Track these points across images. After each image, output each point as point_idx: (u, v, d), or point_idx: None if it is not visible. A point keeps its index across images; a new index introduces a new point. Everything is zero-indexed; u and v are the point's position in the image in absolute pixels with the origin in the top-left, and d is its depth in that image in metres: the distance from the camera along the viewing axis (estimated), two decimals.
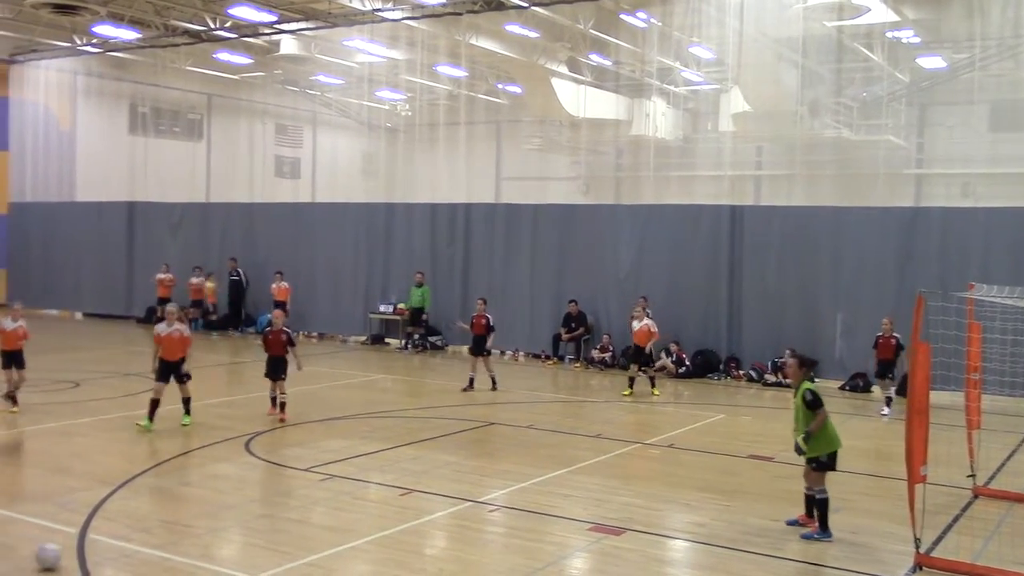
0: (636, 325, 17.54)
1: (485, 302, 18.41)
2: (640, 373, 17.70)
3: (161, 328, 13.65)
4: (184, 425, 13.67)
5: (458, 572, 8.23)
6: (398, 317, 24.25)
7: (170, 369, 13.55)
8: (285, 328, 14.95)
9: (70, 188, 32.70)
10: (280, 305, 25.42)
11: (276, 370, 14.60)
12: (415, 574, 8.13)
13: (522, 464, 12.06)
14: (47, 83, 32.29)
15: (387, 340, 24.76)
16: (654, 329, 17.48)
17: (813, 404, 9.21)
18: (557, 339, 21.87)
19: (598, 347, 21.33)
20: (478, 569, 8.37)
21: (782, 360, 18.86)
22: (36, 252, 30.96)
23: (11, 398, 14.65)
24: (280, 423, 14.18)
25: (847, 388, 18.68)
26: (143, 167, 32.90)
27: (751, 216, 20.65)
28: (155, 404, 13.44)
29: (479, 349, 17.84)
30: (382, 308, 24.60)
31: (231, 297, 26.53)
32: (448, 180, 28.63)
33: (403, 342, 23.95)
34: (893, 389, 16.43)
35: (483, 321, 17.86)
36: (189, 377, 13.74)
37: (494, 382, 17.72)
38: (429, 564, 8.53)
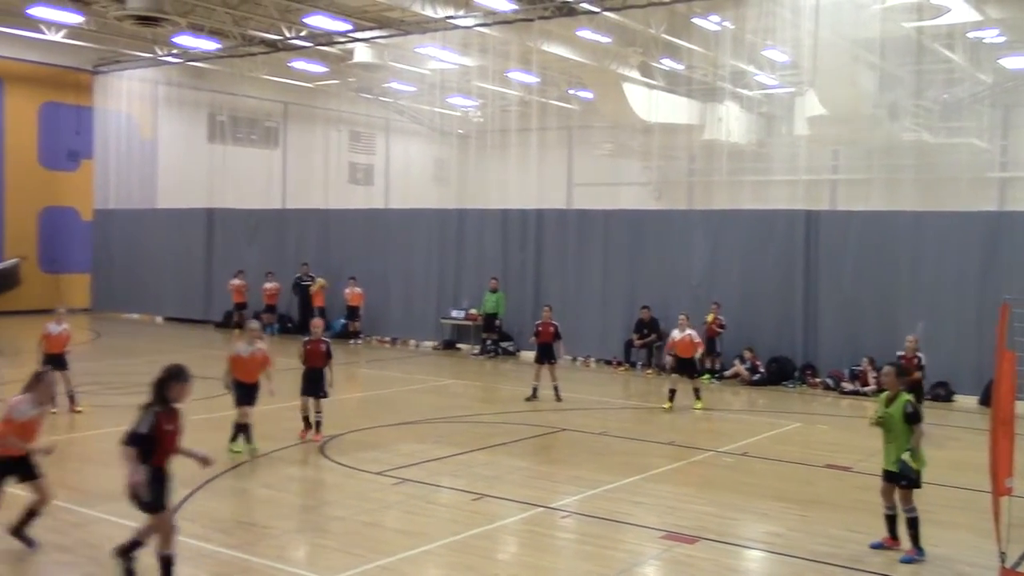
0: (678, 335, 16.72)
1: (551, 309, 18.24)
2: (688, 381, 16.87)
3: (242, 349, 12.61)
4: (234, 452, 12.40)
5: None
6: (470, 322, 24.35)
7: (249, 391, 12.51)
8: (324, 338, 13.70)
9: (151, 195, 33.53)
10: (353, 311, 25.81)
11: (314, 385, 13.32)
12: None
13: (594, 470, 12.01)
14: (130, 93, 33.17)
15: (459, 345, 24.87)
16: (697, 339, 16.87)
17: (913, 417, 8.78)
18: (629, 345, 21.74)
19: (666, 355, 21.13)
20: (550, 575, 8.35)
21: (860, 368, 18.52)
22: (119, 258, 31.82)
23: (71, 398, 14.97)
24: (317, 441, 13.20)
25: (928, 397, 18.19)
26: (221, 174, 33.60)
27: (827, 221, 20.28)
28: (241, 428, 12.43)
29: (545, 357, 17.40)
30: (454, 313, 24.73)
31: (302, 302, 26.94)
32: (519, 186, 28.66)
33: (476, 347, 24.03)
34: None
35: (551, 329, 17.48)
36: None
37: (557, 392, 17.22)
38: (500, 569, 8.53)
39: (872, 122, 27.18)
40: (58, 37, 29.30)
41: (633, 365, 21.76)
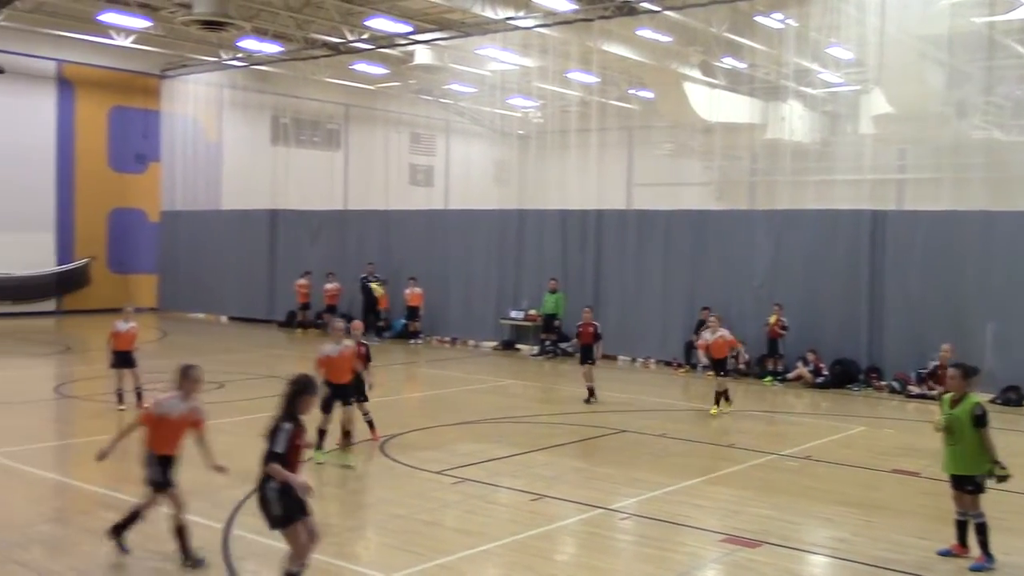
0: (709, 337, 16.30)
1: (592, 310, 18.14)
2: (718, 377, 16.35)
3: (330, 349, 12.19)
4: (347, 467, 12.02)
5: None
6: (529, 323, 24.35)
7: (339, 393, 12.23)
8: (364, 341, 12.99)
9: (216, 197, 34.12)
10: (413, 311, 25.98)
11: (355, 390, 12.64)
12: None
13: (654, 472, 11.93)
14: (196, 97, 33.79)
15: (518, 346, 24.88)
16: (730, 338, 16.48)
17: (983, 420, 8.53)
18: (689, 347, 21.55)
19: (732, 355, 20.89)
20: None
21: (927, 371, 18.12)
22: (185, 258, 32.43)
23: (138, 395, 15.18)
24: (373, 440, 13.02)
25: (999, 401, 17.76)
26: (284, 176, 34.07)
27: (894, 221, 19.90)
28: (323, 435, 12.19)
29: (586, 358, 17.29)
30: (513, 314, 24.75)
31: (366, 302, 27.17)
32: (579, 186, 28.57)
33: (535, 348, 24.02)
34: None
35: (591, 330, 17.31)
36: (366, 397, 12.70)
37: (592, 393, 17.09)
38: (559, 570, 8.51)
39: (940, 120, 26.57)
40: (127, 43, 29.98)
41: (693, 367, 21.55)
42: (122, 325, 15.34)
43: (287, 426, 7.19)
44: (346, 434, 12.30)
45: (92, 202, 32.20)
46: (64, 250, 31.76)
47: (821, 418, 16.84)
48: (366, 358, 12.84)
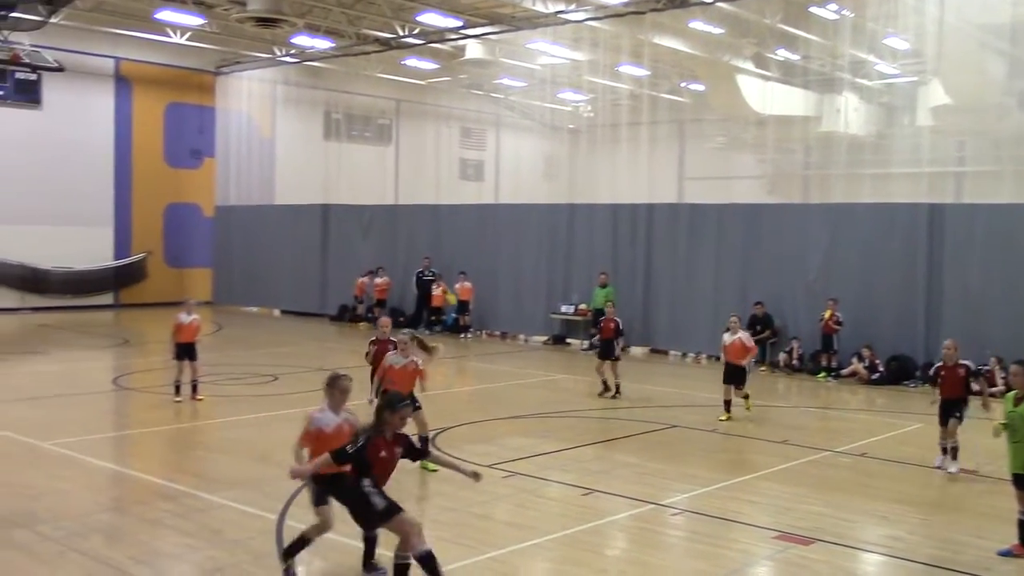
0: (728, 338, 15.19)
1: (614, 304, 18.02)
2: (736, 391, 15.25)
3: (394, 360, 11.48)
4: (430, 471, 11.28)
5: (639, 575, 8.15)
6: (579, 317, 24.30)
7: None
8: (393, 338, 12.17)
9: (270, 192, 34.54)
10: (463, 305, 26.08)
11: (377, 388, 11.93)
12: (596, 574, 8.11)
13: (706, 468, 11.84)
14: (250, 93, 34.21)
15: (568, 340, 24.85)
16: (750, 343, 15.40)
17: None
18: None
19: (786, 350, 20.70)
20: (660, 572, 8.26)
21: (987, 368, 17.74)
22: (238, 252, 32.87)
23: (193, 387, 15.41)
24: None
25: None
26: (336, 171, 34.35)
27: (952, 215, 19.51)
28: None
29: (607, 353, 16.94)
30: (563, 308, 24.71)
31: (420, 297, 27.34)
32: (630, 180, 28.44)
33: (585, 342, 23.97)
34: (956, 441, 11.87)
35: (612, 325, 17.06)
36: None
37: (618, 389, 16.84)
38: (610, 565, 8.48)
39: (1000, 111, 26.05)
40: (183, 40, 30.43)
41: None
42: (185, 317, 15.57)
43: (367, 433, 7.32)
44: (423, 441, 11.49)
45: (149, 197, 32.76)
46: (122, 245, 32.36)
47: (876, 415, 16.59)
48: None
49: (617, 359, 16.99)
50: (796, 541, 8.94)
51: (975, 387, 12.22)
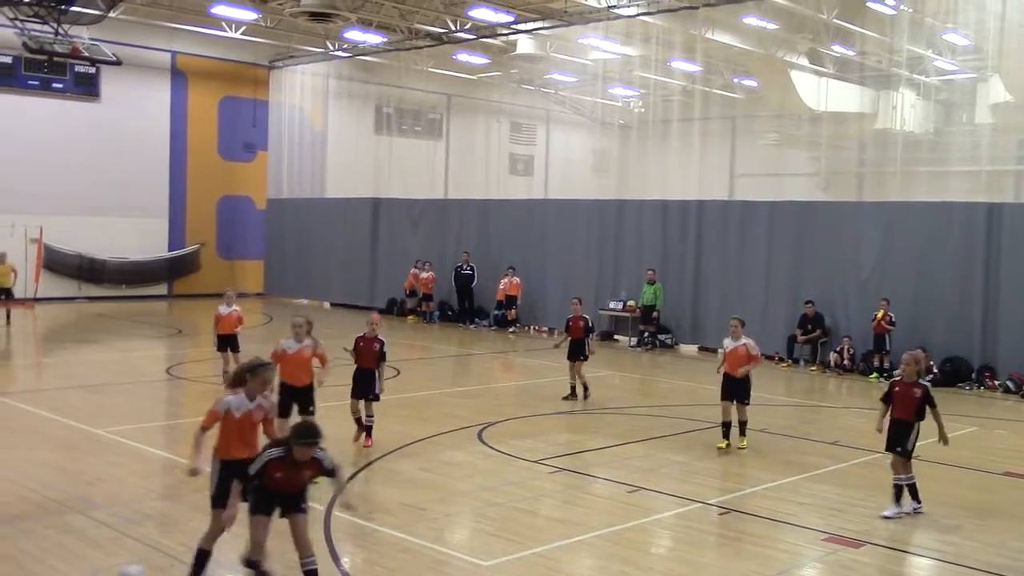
0: (730, 345, 12.94)
1: (581, 302, 16.78)
2: (736, 407, 12.93)
3: (287, 344, 11.35)
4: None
5: (686, 574, 8.10)
6: (628, 314, 24.20)
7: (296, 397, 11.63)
8: (380, 337, 12.10)
9: (321, 185, 34.82)
10: (511, 300, 26.09)
11: (363, 387, 12.02)
12: (642, 572, 8.08)
13: (754, 468, 11.74)
14: (302, 87, 34.51)
15: (616, 337, 24.75)
16: (755, 352, 12.81)
17: None
18: (792, 341, 21.13)
19: (837, 350, 20.43)
20: (706, 572, 8.21)
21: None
22: (290, 245, 33.19)
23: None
24: (368, 447, 11.97)
25: None
26: (387, 165, 34.52)
27: (1012, 214, 19.09)
28: None
29: (576, 354, 15.96)
30: (612, 305, 24.62)
31: (460, 291, 27.43)
32: (680, 176, 28.22)
33: (634, 339, 23.87)
34: (904, 477, 9.96)
35: (580, 324, 16.10)
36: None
37: (586, 390, 15.98)
38: (655, 563, 8.44)
39: None
40: (237, 34, 30.81)
41: (796, 361, 21.14)
42: (224, 308, 15.73)
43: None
44: None
45: (203, 190, 33.22)
46: (176, 236, 32.86)
47: (930, 417, 16.27)
48: (380, 355, 11.99)
49: (585, 359, 16.04)
50: (846, 544, 8.83)
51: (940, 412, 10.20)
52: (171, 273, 32.81)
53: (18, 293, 26.28)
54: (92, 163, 30.25)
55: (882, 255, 20.24)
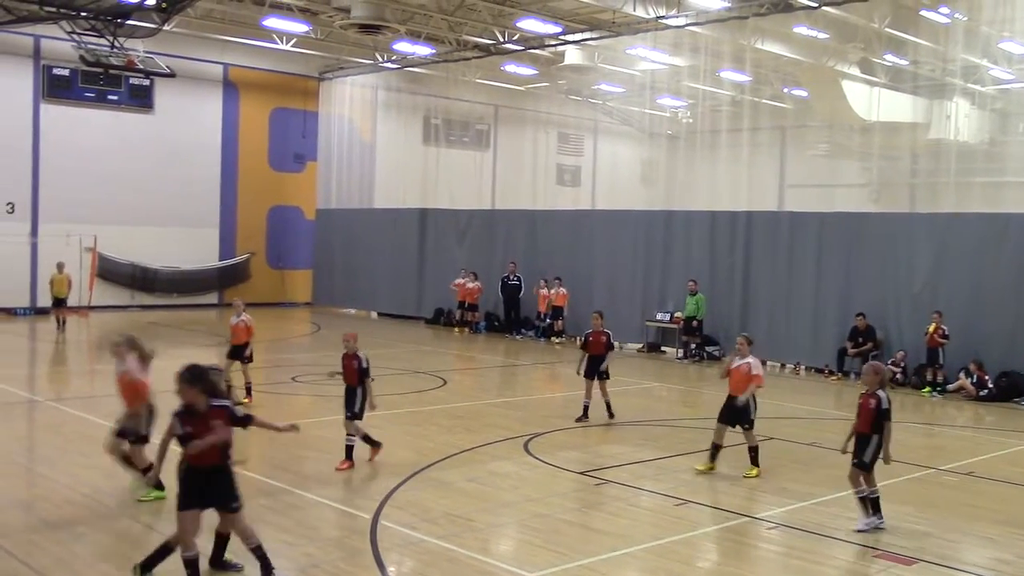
0: (736, 361, 12.07)
1: (602, 316, 15.58)
2: (738, 431, 12.11)
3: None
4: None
5: None
6: (675, 325, 24.04)
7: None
8: (359, 353, 11.69)
9: (369, 196, 35.11)
10: (557, 311, 26.05)
11: (347, 404, 11.62)
12: None
13: (803, 482, 11.57)
14: (351, 98, 34.86)
15: (663, 348, 24.60)
16: (757, 371, 11.86)
17: None
18: (842, 354, 20.85)
19: (888, 363, 20.11)
20: None
21: None
22: (338, 255, 33.46)
23: (247, 390, 15.29)
24: (342, 470, 11.42)
25: None
26: (435, 175, 34.72)
27: None
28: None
29: (595, 371, 15.05)
30: (659, 316, 24.47)
31: (507, 302, 27.44)
32: (729, 187, 28.04)
33: (680, 351, 23.70)
34: (863, 488, 9.73)
35: (602, 339, 15.17)
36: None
37: (609, 409, 15.10)
38: None
39: None
40: (288, 46, 31.20)
41: (846, 374, 20.85)
42: (233, 319, 15.56)
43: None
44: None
45: (253, 200, 33.64)
46: (226, 246, 33.29)
47: (984, 433, 15.99)
48: (359, 372, 11.57)
49: (607, 377, 15.15)
50: (897, 560, 8.67)
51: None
52: (221, 282, 33.22)
53: (72, 301, 26.79)
54: (145, 174, 30.78)
55: (935, 267, 19.90)
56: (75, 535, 8.68)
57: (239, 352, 15.51)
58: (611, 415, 15.08)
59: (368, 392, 11.60)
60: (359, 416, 11.60)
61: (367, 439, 11.71)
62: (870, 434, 9.68)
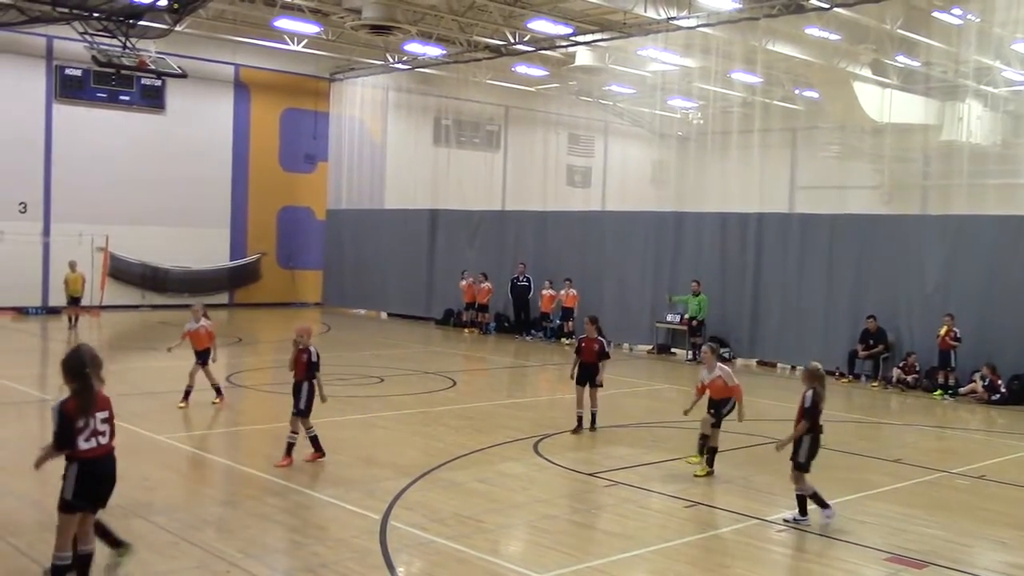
0: (707, 376, 11.90)
1: (596, 322, 14.73)
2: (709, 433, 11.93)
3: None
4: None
5: None
6: (684, 327, 24.00)
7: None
8: (310, 347, 11.57)
9: (380, 196, 35.15)
10: (568, 312, 26.03)
11: (296, 400, 11.48)
12: None
13: (814, 484, 11.50)
14: (362, 99, 34.90)
15: (673, 350, 24.55)
16: (733, 383, 11.76)
17: None
18: (853, 356, 20.78)
19: (900, 366, 20.04)
20: None
21: None
22: (349, 255, 33.50)
23: (217, 391, 15.25)
24: (281, 466, 11.31)
25: None
26: (445, 176, 34.73)
27: None
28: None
29: (587, 378, 14.16)
30: (669, 318, 24.44)
31: (516, 302, 27.42)
32: (740, 189, 27.99)
33: (690, 353, 23.67)
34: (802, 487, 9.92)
35: (595, 346, 14.18)
36: None
37: (594, 420, 14.27)
38: None
39: None
40: (299, 47, 31.26)
41: (857, 377, 20.79)
42: (191, 324, 15.23)
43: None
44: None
45: (264, 200, 33.72)
46: (237, 246, 33.37)
47: (996, 436, 15.91)
48: (308, 366, 11.46)
49: (599, 386, 14.26)
50: (908, 564, 8.63)
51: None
52: (232, 282, 33.31)
53: (84, 301, 26.89)
54: (156, 174, 30.87)
55: (947, 269, 19.82)
56: None
57: (204, 357, 15.09)
58: (593, 426, 14.16)
59: (318, 387, 11.50)
60: (305, 413, 11.49)
61: (314, 441, 11.60)
62: (801, 434, 9.91)
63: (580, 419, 14.15)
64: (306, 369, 11.44)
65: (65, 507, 6.89)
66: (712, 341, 11.99)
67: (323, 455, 11.63)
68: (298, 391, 11.47)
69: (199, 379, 15.02)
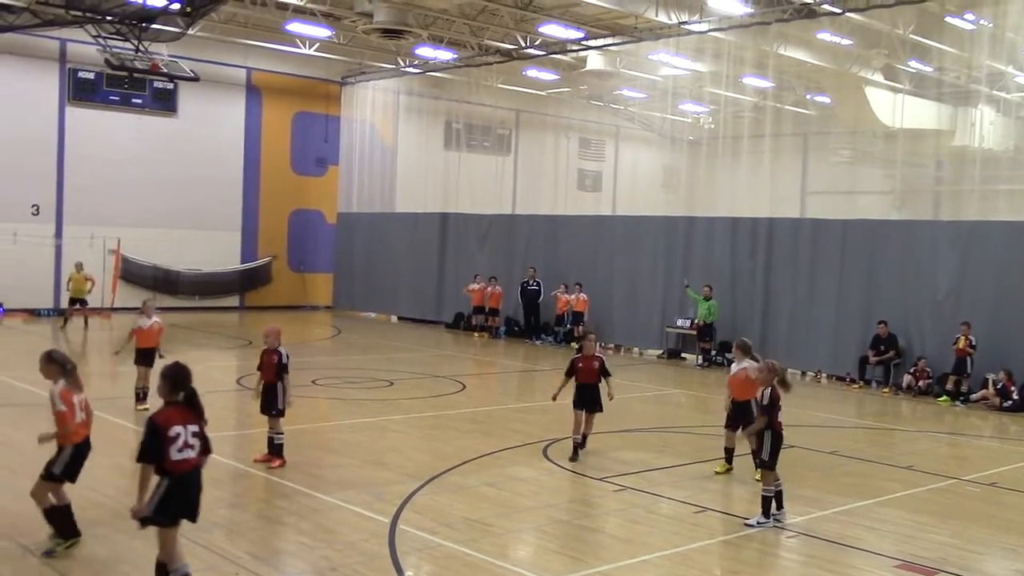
0: (734, 368, 12.03)
1: (596, 338, 13.55)
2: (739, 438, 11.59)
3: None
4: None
5: None
6: (694, 332, 23.95)
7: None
8: (279, 349, 11.47)
9: (390, 200, 35.17)
10: (578, 316, 26.02)
11: (266, 402, 11.50)
12: None
13: (823, 491, 11.49)
14: (373, 102, 34.95)
15: (683, 355, 24.51)
16: (754, 375, 10.90)
17: None
18: (864, 362, 20.71)
19: (911, 371, 19.95)
20: None
21: None
22: (359, 259, 33.55)
23: (142, 395, 14.50)
24: (275, 468, 11.42)
25: None
26: (456, 180, 34.74)
27: None
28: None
29: (586, 402, 12.50)
30: (679, 322, 24.39)
31: (526, 306, 27.41)
32: (751, 193, 27.88)
33: (700, 357, 23.62)
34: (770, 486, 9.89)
35: (594, 365, 12.55)
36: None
37: (584, 441, 12.63)
38: None
39: None
40: (310, 51, 31.34)
41: (868, 383, 20.71)
42: (144, 321, 14.66)
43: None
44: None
45: (275, 203, 33.80)
46: (248, 249, 33.45)
47: (1009, 443, 15.82)
48: (278, 367, 11.39)
49: (597, 411, 12.62)
50: (919, 571, 8.59)
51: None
52: (243, 285, 33.39)
53: (95, 303, 26.97)
54: (168, 176, 30.97)
55: (959, 275, 19.74)
56: (96, 536, 8.72)
57: (145, 356, 14.43)
58: (582, 446, 12.58)
59: (286, 388, 11.44)
60: (283, 414, 11.52)
61: (277, 446, 11.57)
62: (763, 429, 9.96)
63: (575, 446, 12.53)
64: (276, 370, 11.40)
65: (146, 522, 7.06)
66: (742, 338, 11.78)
67: (284, 463, 11.48)
68: (272, 393, 11.45)
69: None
